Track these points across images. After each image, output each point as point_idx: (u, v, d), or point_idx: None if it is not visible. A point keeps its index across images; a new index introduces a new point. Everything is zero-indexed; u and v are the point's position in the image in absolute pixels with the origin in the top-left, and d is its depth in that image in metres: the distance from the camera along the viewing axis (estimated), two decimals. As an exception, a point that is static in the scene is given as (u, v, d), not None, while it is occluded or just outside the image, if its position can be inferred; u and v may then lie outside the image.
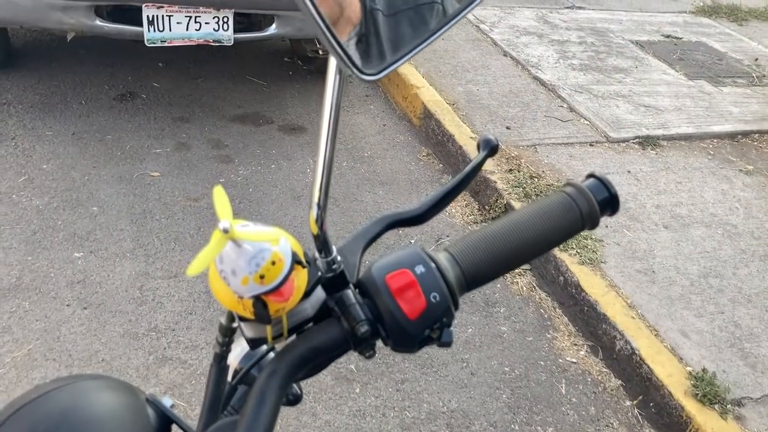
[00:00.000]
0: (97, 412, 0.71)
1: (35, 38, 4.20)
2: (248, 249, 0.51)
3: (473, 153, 3.35)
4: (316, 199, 0.61)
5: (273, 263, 0.52)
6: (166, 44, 3.23)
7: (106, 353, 2.28)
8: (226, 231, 0.49)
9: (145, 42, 3.18)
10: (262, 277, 0.52)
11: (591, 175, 0.70)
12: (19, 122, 3.40)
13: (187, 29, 3.22)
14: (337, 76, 0.59)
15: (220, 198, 0.51)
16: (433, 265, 0.62)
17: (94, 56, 4.09)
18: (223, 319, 0.68)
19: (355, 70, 0.54)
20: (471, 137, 3.50)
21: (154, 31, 3.16)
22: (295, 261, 0.55)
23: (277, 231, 0.52)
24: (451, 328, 0.62)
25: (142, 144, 3.40)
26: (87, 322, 2.38)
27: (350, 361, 2.39)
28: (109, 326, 2.38)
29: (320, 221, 0.61)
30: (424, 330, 0.61)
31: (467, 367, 2.44)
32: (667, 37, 5.38)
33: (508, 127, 3.71)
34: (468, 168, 0.75)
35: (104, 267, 2.62)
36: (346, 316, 0.61)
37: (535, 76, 4.38)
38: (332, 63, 0.58)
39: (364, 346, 0.62)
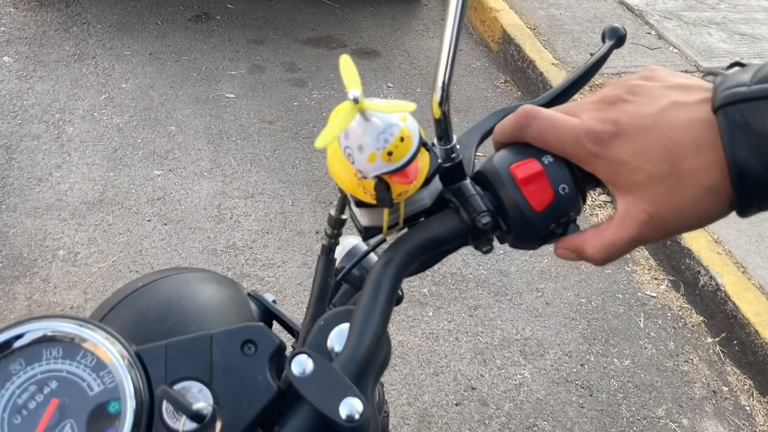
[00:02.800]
0: (202, 303, 0.70)
1: (112, -42, 4.21)
2: (377, 123, 0.47)
3: (555, 80, 3.22)
4: (440, 81, 0.56)
5: (401, 139, 0.48)
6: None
7: (186, 267, 2.33)
8: (356, 100, 0.45)
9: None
10: (389, 154, 0.48)
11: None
12: (98, 42, 3.44)
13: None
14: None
15: (347, 67, 0.47)
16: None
17: (169, -23, 4.07)
18: (332, 211, 0.65)
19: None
20: (552, 63, 3.36)
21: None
22: (421, 143, 0.51)
23: (406, 104, 0.48)
24: (577, 224, 0.58)
25: (218, 65, 3.39)
26: (167, 237, 2.44)
27: (423, 285, 2.38)
28: (189, 242, 2.43)
29: (444, 105, 0.57)
30: (550, 224, 0.57)
31: (542, 296, 2.40)
32: (768, -40, 4.98)
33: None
34: (592, 59, 0.69)
35: (183, 185, 2.67)
36: (465, 208, 0.57)
37: (621, 1, 4.14)
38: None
39: (483, 240, 0.59)
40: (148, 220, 2.50)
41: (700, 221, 0.52)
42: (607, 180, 0.53)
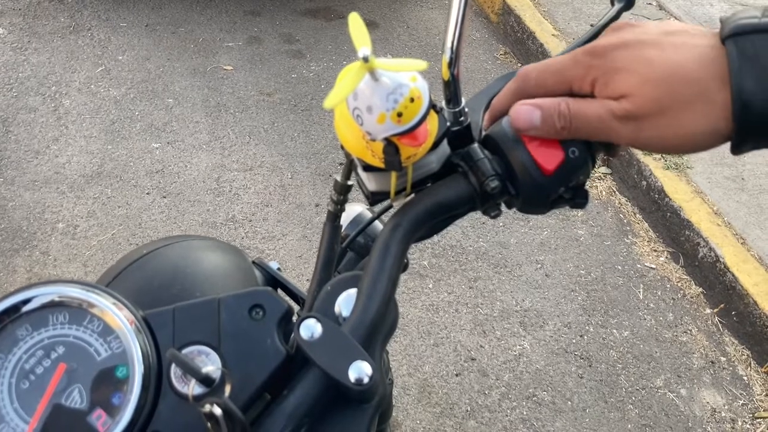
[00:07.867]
0: (207, 269, 0.70)
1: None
2: (386, 83, 0.47)
3: (555, 51, 3.19)
4: (449, 42, 0.55)
5: (412, 100, 0.47)
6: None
7: (186, 240, 2.33)
8: (366, 59, 0.44)
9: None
10: (399, 115, 0.47)
11: None
12: (93, 13, 3.40)
13: None
14: None
15: (356, 25, 0.46)
16: None
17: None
18: (338, 177, 0.65)
19: None
20: (553, 35, 3.33)
21: None
22: (430, 104, 0.50)
23: (417, 63, 0.47)
24: (587, 188, 0.58)
25: (215, 37, 3.36)
26: (167, 210, 2.43)
27: (423, 257, 2.38)
28: (188, 215, 2.42)
29: (453, 67, 0.56)
30: (559, 187, 0.56)
31: (542, 268, 2.40)
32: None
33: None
34: (600, 23, 0.68)
35: (181, 158, 2.65)
36: (474, 172, 0.56)
37: (622, -29, 4.09)
38: None
39: (491, 205, 0.58)
40: (147, 193, 2.49)
41: (688, 143, 0.49)
42: (600, 94, 0.51)
